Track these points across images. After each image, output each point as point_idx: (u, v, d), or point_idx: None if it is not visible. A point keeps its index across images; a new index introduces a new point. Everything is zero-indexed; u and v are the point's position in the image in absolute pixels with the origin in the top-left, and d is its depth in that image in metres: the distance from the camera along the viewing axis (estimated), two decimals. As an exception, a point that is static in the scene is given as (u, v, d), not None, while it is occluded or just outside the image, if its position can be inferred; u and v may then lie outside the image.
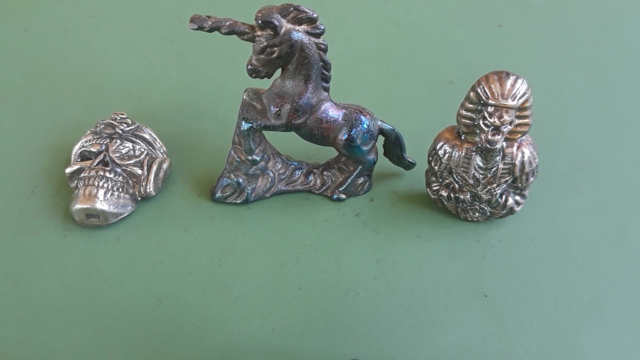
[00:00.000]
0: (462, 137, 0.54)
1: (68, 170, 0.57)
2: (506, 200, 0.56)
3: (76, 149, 0.59)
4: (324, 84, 0.53)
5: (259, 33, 0.48)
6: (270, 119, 0.54)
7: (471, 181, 0.55)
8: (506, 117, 0.50)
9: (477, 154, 0.53)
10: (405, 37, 0.83)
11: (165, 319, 0.50)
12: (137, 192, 0.58)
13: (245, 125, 0.54)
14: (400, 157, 0.61)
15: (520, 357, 0.49)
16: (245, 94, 0.55)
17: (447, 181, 0.56)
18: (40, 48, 0.78)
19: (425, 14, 0.88)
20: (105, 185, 0.55)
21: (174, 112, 0.69)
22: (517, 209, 0.57)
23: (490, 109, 0.50)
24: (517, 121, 0.51)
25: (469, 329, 0.51)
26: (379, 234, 0.58)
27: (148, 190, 0.58)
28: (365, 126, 0.56)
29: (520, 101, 0.50)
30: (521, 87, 0.49)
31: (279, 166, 0.59)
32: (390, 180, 0.63)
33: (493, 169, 0.53)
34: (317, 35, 0.50)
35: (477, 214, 0.57)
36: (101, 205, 0.55)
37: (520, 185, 0.55)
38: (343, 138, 0.55)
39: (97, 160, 0.57)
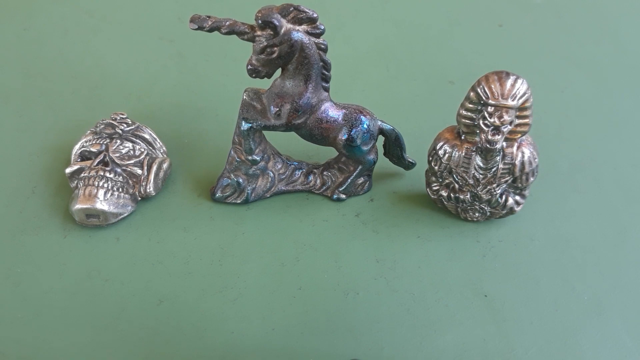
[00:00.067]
0: (462, 137, 0.54)
1: (68, 170, 0.57)
2: (506, 200, 0.56)
3: (76, 149, 0.59)
4: (324, 84, 0.53)
5: (259, 33, 0.48)
6: (270, 119, 0.54)
7: (471, 181, 0.55)
8: (506, 117, 0.50)
9: (477, 154, 0.53)
10: (405, 37, 0.83)
11: (165, 319, 0.50)
12: (137, 192, 0.58)
13: (245, 125, 0.54)
14: (400, 157, 0.61)
15: (520, 357, 0.49)
16: (245, 94, 0.55)
17: (447, 181, 0.56)
18: (40, 48, 0.78)
19: (425, 14, 0.88)
20: (105, 185, 0.55)
21: (174, 112, 0.69)
22: (517, 209, 0.57)
23: (490, 109, 0.50)
24: (517, 121, 0.51)
25: (469, 329, 0.51)
26: (379, 234, 0.58)
27: (148, 190, 0.58)
28: (365, 126, 0.56)
29: (520, 101, 0.50)
30: (521, 87, 0.49)
31: (279, 166, 0.59)
32: (390, 180, 0.63)
33: (493, 169, 0.53)
34: (317, 35, 0.50)
35: (477, 214, 0.57)
36: (101, 205, 0.55)
37: (520, 185, 0.55)
38: (343, 138, 0.55)
39: (97, 160, 0.57)
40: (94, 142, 0.59)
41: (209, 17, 0.49)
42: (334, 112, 0.55)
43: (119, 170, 0.57)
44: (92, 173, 0.56)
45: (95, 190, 0.55)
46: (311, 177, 0.61)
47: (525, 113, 0.51)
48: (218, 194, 0.59)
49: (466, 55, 0.80)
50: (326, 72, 0.52)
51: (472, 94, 0.51)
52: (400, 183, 0.63)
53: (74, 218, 0.56)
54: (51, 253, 0.55)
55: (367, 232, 0.58)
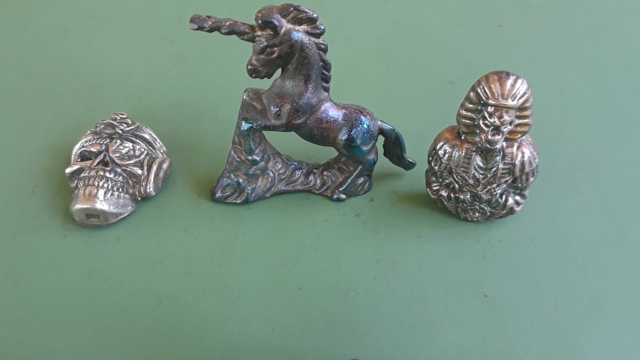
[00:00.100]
0: (462, 137, 0.54)
1: (68, 170, 0.57)
2: (506, 200, 0.56)
3: (76, 149, 0.59)
4: (324, 84, 0.53)
5: (259, 33, 0.48)
6: (270, 119, 0.54)
7: (471, 181, 0.55)
8: (506, 117, 0.50)
9: (477, 154, 0.53)
10: (405, 37, 0.83)
11: (165, 319, 0.50)
12: (137, 192, 0.58)
13: (245, 125, 0.54)
14: (400, 157, 0.61)
15: (520, 357, 0.49)
16: (245, 94, 0.55)
17: (447, 181, 0.56)
18: (40, 48, 0.78)
19: (425, 14, 0.88)
20: (105, 185, 0.55)
21: (174, 112, 0.69)
22: (517, 209, 0.57)
23: (490, 109, 0.50)
24: (517, 121, 0.51)
25: (469, 329, 0.51)
26: (379, 234, 0.58)
27: (148, 190, 0.58)
28: (365, 126, 0.56)
29: (520, 101, 0.50)
30: (521, 87, 0.49)
31: (279, 166, 0.59)
32: (390, 180, 0.63)
33: (493, 169, 0.53)
34: (317, 35, 0.50)
35: (477, 214, 0.57)
36: (101, 205, 0.55)
37: (520, 185, 0.55)
38: (343, 138, 0.55)
39: (97, 160, 0.57)
40: (94, 142, 0.59)
41: (209, 17, 0.49)
42: (334, 112, 0.55)
43: (119, 170, 0.57)
44: (92, 173, 0.56)
45: (95, 190, 0.55)
46: (311, 177, 0.61)
47: (525, 113, 0.51)
48: (218, 194, 0.59)
49: (466, 55, 0.80)
50: (326, 72, 0.52)
51: (472, 94, 0.51)
52: (400, 183, 0.63)
53: (74, 218, 0.56)
54: (51, 253, 0.55)
55: (367, 232, 0.58)
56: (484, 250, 0.56)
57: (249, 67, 0.50)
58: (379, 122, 0.58)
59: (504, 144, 0.52)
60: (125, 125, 0.60)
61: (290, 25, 0.49)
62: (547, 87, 0.76)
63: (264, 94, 0.54)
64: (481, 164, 0.53)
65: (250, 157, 0.56)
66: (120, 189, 0.56)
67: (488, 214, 0.57)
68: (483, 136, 0.51)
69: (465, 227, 0.58)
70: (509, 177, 0.54)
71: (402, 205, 0.60)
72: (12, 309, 0.51)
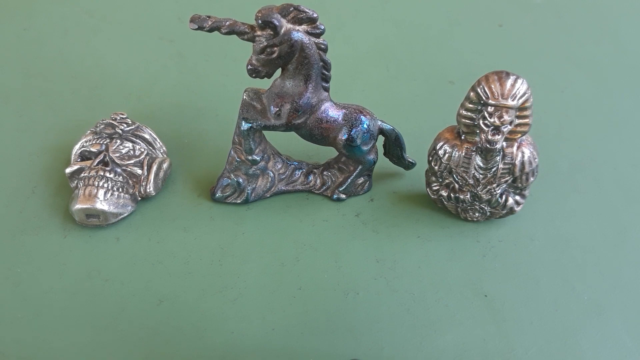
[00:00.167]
0: (462, 137, 0.54)
1: (68, 170, 0.57)
2: (506, 200, 0.56)
3: (76, 149, 0.59)
4: (324, 84, 0.53)
5: (259, 33, 0.48)
6: (270, 119, 0.54)
7: (471, 181, 0.55)
8: (506, 117, 0.50)
9: (477, 154, 0.53)
10: (405, 37, 0.83)
11: (165, 319, 0.50)
12: (137, 192, 0.58)
13: (245, 125, 0.54)
14: (400, 157, 0.61)
15: (520, 357, 0.49)
16: (245, 94, 0.55)
17: (447, 181, 0.56)
18: (40, 48, 0.78)
19: (425, 14, 0.88)
20: (105, 185, 0.55)
21: (174, 112, 0.69)
22: (517, 209, 0.57)
23: (490, 109, 0.50)
24: (517, 121, 0.51)
25: (469, 329, 0.51)
26: (379, 234, 0.58)
27: (148, 190, 0.58)
28: (365, 126, 0.56)
29: (520, 101, 0.50)
30: (521, 87, 0.49)
31: (279, 166, 0.59)
32: (390, 180, 0.63)
33: (493, 169, 0.53)
34: (317, 35, 0.50)
35: (477, 214, 0.57)
36: (101, 205, 0.55)
37: (520, 185, 0.55)
38: (343, 138, 0.55)
39: (97, 160, 0.57)
40: (94, 142, 0.59)
41: (209, 17, 0.49)
42: (334, 112, 0.55)
43: (119, 170, 0.57)
44: (92, 173, 0.56)
45: (95, 190, 0.55)
46: (311, 177, 0.61)
47: (525, 113, 0.51)
48: (218, 194, 0.59)
49: (466, 55, 0.80)
50: (326, 72, 0.52)
51: (472, 94, 0.51)
52: (400, 183, 0.63)
53: (74, 218, 0.56)
54: (51, 253, 0.55)
55: (367, 232, 0.58)
56: (484, 250, 0.56)
57: (249, 67, 0.50)
58: (379, 122, 0.58)
59: (504, 144, 0.52)
60: (125, 125, 0.60)
61: (290, 25, 0.49)
62: (547, 87, 0.76)
63: (264, 94, 0.54)
64: (481, 164, 0.53)
65: (250, 157, 0.56)
66: (120, 189, 0.56)
67: (488, 214, 0.57)
68: (483, 136, 0.51)
69: (465, 227, 0.58)
70: (509, 177, 0.54)
71: (402, 205, 0.60)
72: (12, 309, 0.51)
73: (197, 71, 0.76)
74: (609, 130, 0.70)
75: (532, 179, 0.54)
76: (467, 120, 0.52)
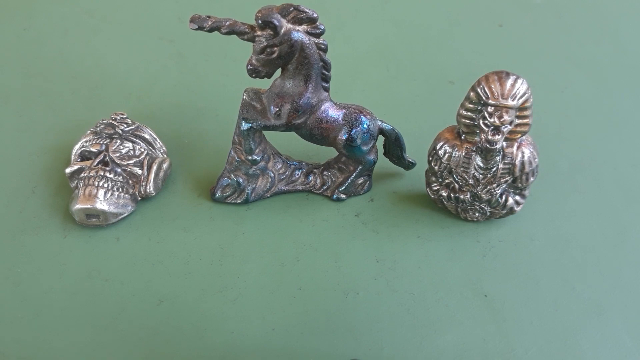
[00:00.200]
0: (462, 137, 0.54)
1: (68, 170, 0.57)
2: (506, 200, 0.56)
3: (76, 149, 0.59)
4: (324, 84, 0.53)
5: (259, 33, 0.48)
6: (270, 119, 0.54)
7: (471, 181, 0.55)
8: (506, 117, 0.50)
9: (477, 154, 0.53)
10: (405, 37, 0.83)
11: (165, 319, 0.50)
12: (137, 192, 0.58)
13: (245, 125, 0.54)
14: (400, 157, 0.61)
15: (520, 357, 0.49)
16: (245, 94, 0.55)
17: (447, 181, 0.56)
18: (40, 48, 0.78)
19: (425, 14, 0.88)
20: (105, 185, 0.55)
21: (174, 112, 0.69)
22: (517, 209, 0.57)
23: (490, 109, 0.50)
24: (517, 121, 0.51)
25: (469, 329, 0.51)
26: (379, 234, 0.58)
27: (148, 190, 0.58)
28: (365, 126, 0.56)
29: (520, 101, 0.50)
30: (521, 87, 0.49)
31: (279, 166, 0.59)
32: (390, 180, 0.63)
33: (493, 169, 0.53)
34: (317, 35, 0.50)
35: (477, 214, 0.57)
36: (101, 205, 0.55)
37: (520, 185, 0.55)
38: (343, 138, 0.55)
39: (97, 160, 0.57)
40: (94, 142, 0.59)
41: (209, 17, 0.49)
42: (334, 112, 0.55)
43: (119, 170, 0.57)
44: (92, 173, 0.56)
45: (95, 190, 0.55)
46: (311, 177, 0.61)
47: (525, 113, 0.51)
48: (218, 194, 0.59)
49: (466, 55, 0.80)
50: (326, 72, 0.52)
51: (472, 94, 0.51)
52: (400, 183, 0.63)
53: (74, 218, 0.56)
54: (51, 253, 0.55)
55: (367, 232, 0.58)
56: (484, 250, 0.56)
57: (249, 67, 0.50)
58: (379, 122, 0.58)
59: (504, 144, 0.52)
60: (125, 125, 0.60)
61: (290, 25, 0.49)
62: (547, 87, 0.76)
63: (264, 94, 0.54)
64: (481, 164, 0.53)
65: (250, 157, 0.56)
66: (120, 189, 0.56)
67: (488, 214, 0.57)
68: (483, 136, 0.51)
69: (465, 227, 0.58)
70: (509, 177, 0.54)
71: (402, 205, 0.60)
72: (12, 309, 0.51)
73: (197, 71, 0.76)
74: (609, 130, 0.70)
75: (532, 179, 0.54)
76: (467, 120, 0.52)
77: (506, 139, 0.52)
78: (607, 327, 0.51)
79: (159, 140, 0.62)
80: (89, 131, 0.60)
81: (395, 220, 0.59)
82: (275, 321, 0.51)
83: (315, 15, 0.49)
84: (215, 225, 0.57)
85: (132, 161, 0.58)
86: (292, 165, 0.60)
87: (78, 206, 0.54)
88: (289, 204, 0.60)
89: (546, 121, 0.70)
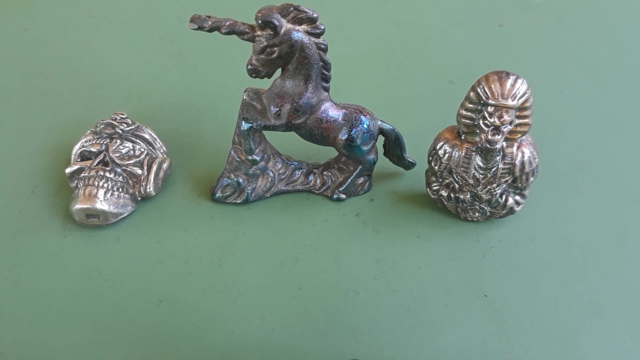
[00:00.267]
0: (462, 137, 0.54)
1: (68, 170, 0.57)
2: (506, 200, 0.56)
3: (76, 149, 0.59)
4: (324, 84, 0.53)
5: (259, 33, 0.48)
6: (270, 119, 0.54)
7: (471, 181, 0.55)
8: (506, 117, 0.50)
9: (477, 154, 0.53)
10: (405, 37, 0.83)
11: (165, 319, 0.50)
12: (137, 192, 0.58)
13: (245, 125, 0.54)
14: (400, 157, 0.61)
15: (520, 357, 0.49)
16: (245, 94, 0.55)
17: (447, 181, 0.56)
18: (40, 48, 0.78)
19: (425, 14, 0.88)
20: (105, 185, 0.55)
21: (174, 112, 0.69)
22: (517, 209, 0.57)
23: (490, 109, 0.50)
24: (517, 121, 0.51)
25: (469, 329, 0.51)
26: (379, 234, 0.58)
27: (148, 190, 0.58)
28: (365, 126, 0.56)
29: (520, 101, 0.50)
30: (521, 87, 0.49)
31: (279, 166, 0.59)
32: (390, 180, 0.63)
33: (493, 169, 0.53)
34: (317, 35, 0.50)
35: (477, 214, 0.57)
36: (101, 205, 0.55)
37: (520, 185, 0.55)
38: (343, 138, 0.55)
39: (97, 160, 0.57)
40: (94, 142, 0.59)
41: (209, 17, 0.49)
42: (334, 112, 0.55)
43: (119, 170, 0.57)
44: (92, 173, 0.56)
45: (95, 190, 0.55)
46: (311, 177, 0.61)
47: (525, 113, 0.51)
48: (218, 194, 0.59)
49: (466, 55, 0.80)
50: (326, 72, 0.52)
51: (472, 94, 0.51)
52: (400, 183, 0.63)
53: (74, 218, 0.56)
54: (51, 253, 0.55)
55: (367, 232, 0.58)
56: (484, 250, 0.56)
57: (249, 67, 0.50)
58: (379, 122, 0.58)
59: (504, 144, 0.52)
60: (125, 125, 0.60)
61: (290, 25, 0.49)
62: (547, 87, 0.76)
63: (264, 94, 0.54)
64: (481, 164, 0.53)
65: (250, 157, 0.56)
66: (120, 189, 0.56)
67: (488, 214, 0.57)
68: (483, 136, 0.51)
69: (465, 227, 0.58)
70: (509, 177, 0.54)
71: (402, 205, 0.60)
72: (12, 309, 0.51)
73: (197, 71, 0.76)
74: (609, 130, 0.70)
75: (532, 179, 0.54)
76: (467, 120, 0.52)
77: (506, 139, 0.52)
78: (607, 327, 0.51)
79: (159, 140, 0.62)
80: (89, 131, 0.60)
81: (395, 220, 0.59)
82: (275, 321, 0.51)
83: (315, 15, 0.49)
84: (215, 225, 0.57)
85: (132, 161, 0.58)
86: (292, 165, 0.60)
87: (78, 206, 0.54)
88: (289, 204, 0.60)
89: (546, 121, 0.70)
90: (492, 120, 0.50)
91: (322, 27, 0.50)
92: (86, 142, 0.59)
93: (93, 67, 0.75)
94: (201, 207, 0.59)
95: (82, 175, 0.56)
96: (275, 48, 0.49)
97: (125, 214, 0.57)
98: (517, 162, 0.53)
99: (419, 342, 0.50)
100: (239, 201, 0.59)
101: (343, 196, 0.60)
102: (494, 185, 0.54)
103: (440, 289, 0.53)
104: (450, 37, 0.84)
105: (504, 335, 0.50)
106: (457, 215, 0.58)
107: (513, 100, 0.49)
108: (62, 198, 0.59)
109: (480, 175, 0.54)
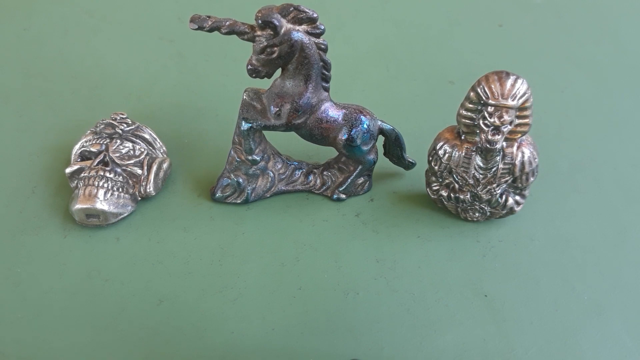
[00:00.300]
0: (462, 137, 0.54)
1: (68, 170, 0.57)
2: (506, 200, 0.56)
3: (76, 149, 0.59)
4: (324, 84, 0.53)
5: (259, 33, 0.48)
6: (270, 119, 0.54)
7: (471, 181, 0.55)
8: (506, 117, 0.50)
9: (477, 154, 0.53)
10: (405, 37, 0.83)
11: (165, 319, 0.50)
12: (137, 192, 0.58)
13: (245, 125, 0.54)
14: (400, 157, 0.61)
15: (520, 357, 0.49)
16: (245, 94, 0.55)
17: (447, 181, 0.56)
18: (40, 48, 0.78)
19: (425, 14, 0.88)
20: (105, 185, 0.55)
21: (174, 112, 0.69)
22: (517, 209, 0.57)
23: (490, 109, 0.50)
24: (517, 121, 0.51)
25: (469, 329, 0.51)
26: (379, 234, 0.58)
27: (148, 190, 0.58)
28: (365, 126, 0.56)
29: (520, 101, 0.50)
30: (521, 87, 0.49)
31: (279, 166, 0.59)
32: (390, 180, 0.63)
33: (493, 169, 0.53)
34: (317, 35, 0.50)
35: (477, 214, 0.57)
36: (101, 205, 0.55)
37: (520, 185, 0.55)
38: (343, 138, 0.55)
39: (97, 160, 0.57)
40: (94, 142, 0.59)
41: (209, 17, 0.49)
42: (334, 112, 0.55)
43: (119, 170, 0.57)
44: (92, 173, 0.56)
45: (95, 190, 0.55)
46: (311, 177, 0.61)
47: (525, 113, 0.51)
48: (218, 194, 0.59)
49: (466, 55, 0.80)
50: (326, 72, 0.52)
51: (472, 94, 0.51)
52: (400, 183, 0.63)
53: (74, 218, 0.56)
54: (51, 253, 0.55)
55: (367, 232, 0.58)
56: (484, 250, 0.56)
57: (249, 67, 0.50)
58: (379, 122, 0.58)
59: (504, 144, 0.52)
60: (125, 125, 0.60)
61: (290, 25, 0.49)
62: (547, 87, 0.76)
63: (264, 94, 0.54)
64: (481, 164, 0.53)
65: (250, 157, 0.56)
66: (120, 189, 0.56)
67: (488, 214, 0.57)
68: (483, 136, 0.51)
69: (465, 227, 0.58)
70: (509, 177, 0.54)
71: (402, 205, 0.60)
72: (12, 309, 0.51)
73: (197, 71, 0.76)
74: (609, 130, 0.70)
75: (532, 179, 0.54)
76: (467, 120, 0.52)
77: (506, 139, 0.52)
78: (607, 327, 0.51)
79: (159, 140, 0.62)
80: (89, 131, 0.60)
81: (395, 220, 0.59)
82: (275, 321, 0.51)
83: (315, 15, 0.49)
84: (215, 225, 0.57)
85: (132, 161, 0.58)
86: (292, 165, 0.60)
87: (78, 206, 0.54)
88: (289, 204, 0.60)
89: (546, 121, 0.70)
90: (492, 120, 0.50)
91: (322, 27, 0.50)
92: (86, 142, 0.59)
93: (93, 67, 0.75)
94: (201, 207, 0.59)
95: (82, 175, 0.56)
96: (275, 48, 0.49)
97: (125, 214, 0.57)
98: (517, 162, 0.53)
99: (419, 342, 0.50)
100: (239, 201, 0.59)
101: (343, 196, 0.60)
102: (494, 185, 0.54)
103: (440, 289, 0.53)
104: (450, 37, 0.84)
105: (504, 335, 0.50)
106: (457, 215, 0.58)
107: (513, 100, 0.49)
108: (62, 198, 0.59)
109: (480, 175, 0.54)
